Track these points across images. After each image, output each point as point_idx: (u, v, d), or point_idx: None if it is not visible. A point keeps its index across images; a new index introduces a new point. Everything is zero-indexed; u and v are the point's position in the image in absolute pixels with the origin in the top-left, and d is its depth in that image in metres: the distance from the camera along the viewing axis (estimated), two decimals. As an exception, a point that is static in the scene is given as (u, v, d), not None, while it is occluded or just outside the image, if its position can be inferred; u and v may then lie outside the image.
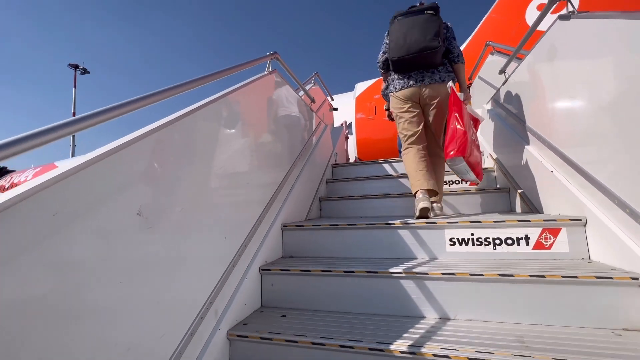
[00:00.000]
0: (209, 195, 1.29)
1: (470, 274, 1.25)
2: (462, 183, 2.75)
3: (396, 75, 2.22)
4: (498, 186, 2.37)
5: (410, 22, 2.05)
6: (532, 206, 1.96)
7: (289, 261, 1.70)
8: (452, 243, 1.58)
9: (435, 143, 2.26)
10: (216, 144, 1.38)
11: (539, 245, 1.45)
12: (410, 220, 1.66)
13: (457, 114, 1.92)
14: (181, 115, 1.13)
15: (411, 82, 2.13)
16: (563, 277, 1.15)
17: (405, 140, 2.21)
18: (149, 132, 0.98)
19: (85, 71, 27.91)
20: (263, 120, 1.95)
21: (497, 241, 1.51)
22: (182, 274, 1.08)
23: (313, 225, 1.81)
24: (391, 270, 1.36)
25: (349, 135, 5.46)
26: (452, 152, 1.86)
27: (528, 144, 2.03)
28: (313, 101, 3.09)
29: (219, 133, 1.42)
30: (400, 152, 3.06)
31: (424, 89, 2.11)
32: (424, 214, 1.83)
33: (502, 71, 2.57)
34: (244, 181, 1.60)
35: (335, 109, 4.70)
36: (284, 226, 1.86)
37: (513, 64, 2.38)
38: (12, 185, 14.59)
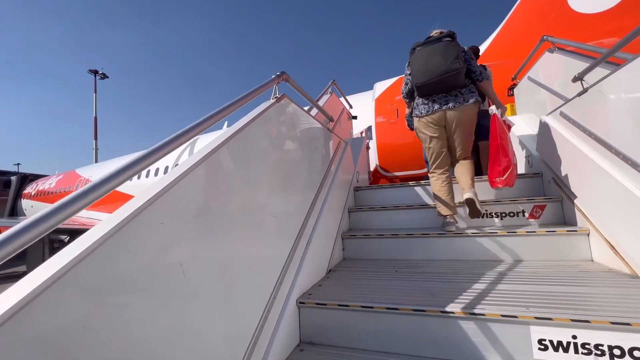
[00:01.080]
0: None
1: None
2: (518, 216, 2.23)
3: (421, 100, 2.30)
4: (576, 229, 1.84)
5: (430, 49, 2.17)
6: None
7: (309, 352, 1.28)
8: (542, 347, 1.09)
9: (463, 156, 2.29)
10: (207, 209, 1.04)
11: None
12: (478, 310, 1.18)
13: (503, 143, 1.99)
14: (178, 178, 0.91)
15: (436, 106, 2.21)
16: None
17: (431, 163, 2.37)
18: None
19: (104, 76, 28.82)
20: (272, 161, 1.53)
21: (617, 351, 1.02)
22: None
23: (338, 305, 1.37)
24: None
25: (369, 146, 4.96)
26: (499, 182, 2.07)
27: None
28: (331, 119, 2.63)
29: (214, 190, 1.10)
30: (427, 162, 3.37)
31: (449, 112, 2.19)
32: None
33: (579, 78, 2.00)
34: (244, 254, 1.19)
35: (355, 118, 4.20)
36: (300, 303, 1.44)
37: (599, 70, 1.80)
38: (38, 193, 15.07)
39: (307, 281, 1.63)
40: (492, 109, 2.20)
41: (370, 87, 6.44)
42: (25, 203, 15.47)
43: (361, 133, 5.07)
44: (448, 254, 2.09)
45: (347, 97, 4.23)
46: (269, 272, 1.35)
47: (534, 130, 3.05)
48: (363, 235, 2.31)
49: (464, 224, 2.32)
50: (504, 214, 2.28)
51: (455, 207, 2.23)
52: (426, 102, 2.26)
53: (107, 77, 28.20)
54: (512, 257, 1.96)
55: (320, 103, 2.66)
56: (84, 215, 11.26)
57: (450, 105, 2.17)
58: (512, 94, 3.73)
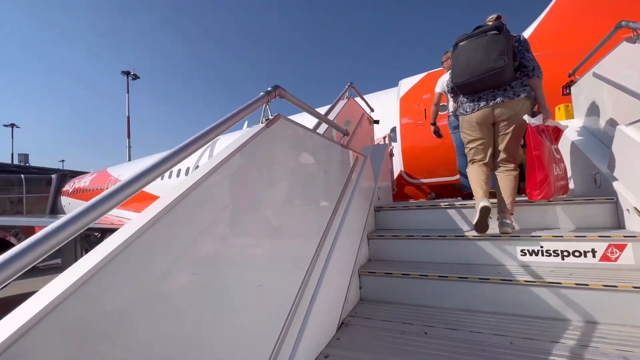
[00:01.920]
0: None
1: None
2: (586, 256, 1.74)
3: (465, 98, 2.16)
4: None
5: (472, 45, 2.01)
6: None
7: None
8: None
9: (509, 160, 2.11)
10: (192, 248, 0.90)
11: None
12: None
13: (537, 154, 1.90)
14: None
15: (482, 104, 2.07)
16: None
17: (471, 162, 2.22)
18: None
19: (135, 77, 30.13)
20: (267, 195, 1.20)
21: None
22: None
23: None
24: None
25: (393, 152, 4.50)
26: (537, 195, 1.93)
27: None
28: (345, 133, 2.24)
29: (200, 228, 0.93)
30: (461, 173, 3.28)
31: (497, 109, 2.03)
32: (483, 218, 1.94)
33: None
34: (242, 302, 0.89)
35: (376, 122, 3.77)
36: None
37: None
38: (75, 190, 15.96)
39: (311, 345, 1.29)
40: (526, 117, 2.00)
41: (395, 84, 5.93)
42: (64, 200, 16.46)
43: (384, 138, 4.61)
44: (493, 306, 1.66)
45: (367, 99, 3.80)
46: (263, 337, 1.07)
47: (599, 138, 2.48)
48: (385, 273, 1.92)
49: (520, 271, 1.87)
50: (565, 253, 1.79)
51: (488, 192, 2.08)
52: (471, 99, 2.10)
53: (138, 77, 29.51)
54: (583, 317, 1.50)
55: (335, 111, 2.28)
56: (113, 214, 11.71)
57: (499, 100, 2.00)
58: (569, 93, 3.12)
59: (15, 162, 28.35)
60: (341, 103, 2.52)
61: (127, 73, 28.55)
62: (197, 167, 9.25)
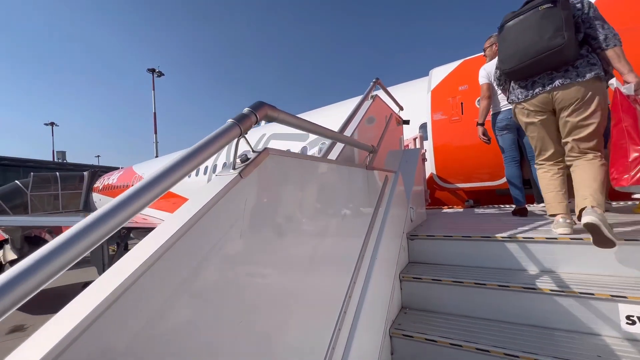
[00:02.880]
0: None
1: None
2: None
3: (516, 84, 1.89)
4: None
5: (520, 24, 1.74)
6: None
7: None
8: None
9: (584, 150, 1.72)
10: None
11: None
12: None
13: (629, 126, 1.49)
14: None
15: (537, 89, 1.78)
16: None
17: (537, 155, 1.97)
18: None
19: (160, 74, 30.94)
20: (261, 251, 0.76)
21: None
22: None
23: None
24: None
25: (425, 156, 3.92)
26: (626, 179, 1.47)
27: None
28: (371, 151, 1.73)
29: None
30: (509, 182, 2.85)
31: (556, 93, 1.72)
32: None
33: None
34: None
35: (406, 122, 3.20)
36: None
37: None
38: (104, 187, 16.60)
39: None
40: (613, 82, 1.63)
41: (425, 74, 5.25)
42: (95, 196, 17.21)
43: (414, 140, 4.02)
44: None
45: (395, 96, 3.23)
46: None
47: None
48: (426, 339, 1.43)
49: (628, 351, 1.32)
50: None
51: (568, 207, 1.81)
52: (524, 84, 1.84)
53: (163, 74, 30.20)
54: None
55: (357, 119, 1.77)
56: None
57: (557, 83, 1.70)
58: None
59: (54, 159, 30.16)
60: (365, 105, 2.01)
61: (152, 70, 29.35)
62: (215, 166, 9.11)
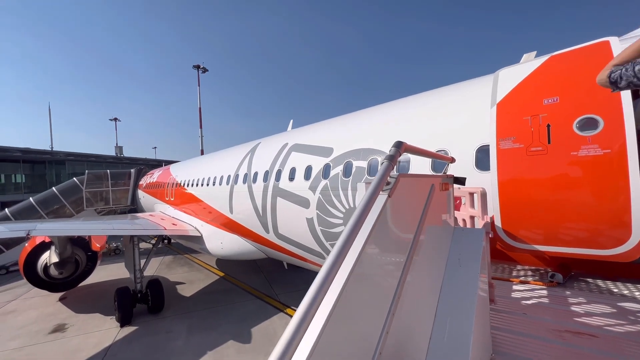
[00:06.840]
0: None
1: None
2: None
3: None
4: None
5: None
6: None
7: None
8: None
9: None
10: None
11: None
12: None
13: None
14: None
15: None
16: None
17: None
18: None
19: (205, 70, 31.73)
20: None
21: None
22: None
23: None
24: None
25: (491, 231, 2.66)
26: None
27: None
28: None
29: None
30: None
31: None
32: None
33: None
34: None
35: (459, 181, 1.99)
36: None
37: None
38: (148, 185, 17.29)
39: None
40: None
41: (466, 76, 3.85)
42: (140, 193, 18.12)
43: (470, 196, 2.69)
44: None
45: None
46: None
47: None
48: None
49: None
50: None
51: None
52: None
53: (207, 70, 31.00)
54: None
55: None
56: (170, 214, 11.96)
57: None
58: None
59: (112, 153, 32.99)
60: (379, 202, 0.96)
61: (198, 67, 30.27)
62: (237, 175, 8.53)
